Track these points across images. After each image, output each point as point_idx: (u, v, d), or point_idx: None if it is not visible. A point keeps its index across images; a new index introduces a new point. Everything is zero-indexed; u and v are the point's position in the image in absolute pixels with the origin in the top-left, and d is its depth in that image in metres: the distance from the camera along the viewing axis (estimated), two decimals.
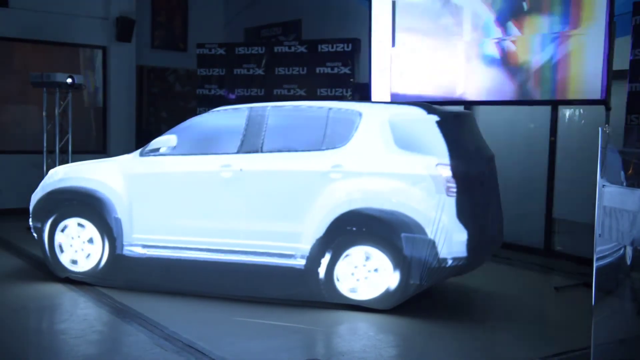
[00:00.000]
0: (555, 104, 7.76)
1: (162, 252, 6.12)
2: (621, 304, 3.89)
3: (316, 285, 5.65)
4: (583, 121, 7.94)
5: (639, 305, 4.01)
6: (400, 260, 5.40)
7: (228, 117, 6.33)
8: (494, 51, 7.88)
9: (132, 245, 6.18)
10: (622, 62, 6.90)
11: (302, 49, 10.07)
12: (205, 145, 6.25)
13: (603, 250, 3.66)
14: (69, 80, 9.14)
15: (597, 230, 3.64)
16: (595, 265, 3.65)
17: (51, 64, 10.75)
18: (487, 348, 4.99)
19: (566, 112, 8.05)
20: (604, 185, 3.63)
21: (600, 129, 3.70)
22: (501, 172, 6.36)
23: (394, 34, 8.85)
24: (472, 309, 6.11)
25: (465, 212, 5.42)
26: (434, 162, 5.42)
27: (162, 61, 12.64)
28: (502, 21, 7.81)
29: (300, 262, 5.70)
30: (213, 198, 6.03)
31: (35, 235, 6.54)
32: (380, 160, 5.61)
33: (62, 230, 6.35)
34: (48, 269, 6.48)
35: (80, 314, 5.51)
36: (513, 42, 7.69)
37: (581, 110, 7.93)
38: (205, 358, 4.50)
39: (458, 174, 5.40)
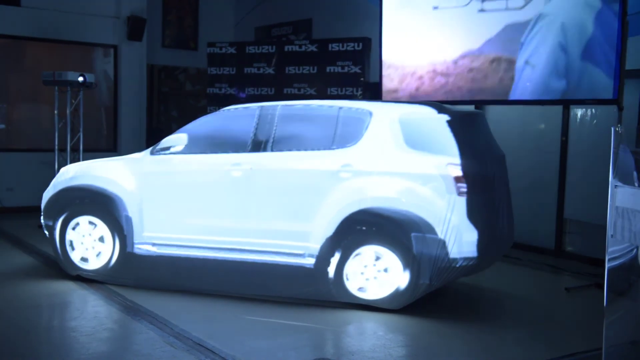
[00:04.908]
0: (566, 104, 7.71)
1: (173, 251, 6.14)
2: (633, 305, 3.85)
3: (325, 284, 5.65)
4: (595, 121, 7.88)
5: None
6: (410, 260, 5.38)
7: (238, 116, 6.32)
8: (507, 49, 7.84)
9: (142, 243, 6.20)
10: (634, 61, 6.86)
11: (312, 48, 10.06)
12: (215, 144, 6.26)
13: (615, 251, 3.63)
14: (81, 79, 9.18)
15: (609, 230, 3.62)
16: (607, 266, 3.63)
17: (63, 62, 10.81)
18: (497, 348, 4.96)
19: (578, 112, 8.00)
20: (616, 186, 3.60)
21: (612, 128, 3.67)
22: (512, 172, 6.33)
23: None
24: (482, 309, 6.09)
25: (476, 212, 5.40)
26: (445, 162, 5.40)
27: (172, 60, 12.69)
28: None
29: (310, 261, 5.70)
30: (223, 197, 6.04)
31: (46, 233, 6.58)
32: (390, 159, 5.59)
33: (73, 228, 6.38)
34: (59, 266, 6.51)
35: (90, 312, 5.53)
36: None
37: (593, 110, 7.88)
38: (215, 356, 4.50)
39: (469, 174, 5.38)
